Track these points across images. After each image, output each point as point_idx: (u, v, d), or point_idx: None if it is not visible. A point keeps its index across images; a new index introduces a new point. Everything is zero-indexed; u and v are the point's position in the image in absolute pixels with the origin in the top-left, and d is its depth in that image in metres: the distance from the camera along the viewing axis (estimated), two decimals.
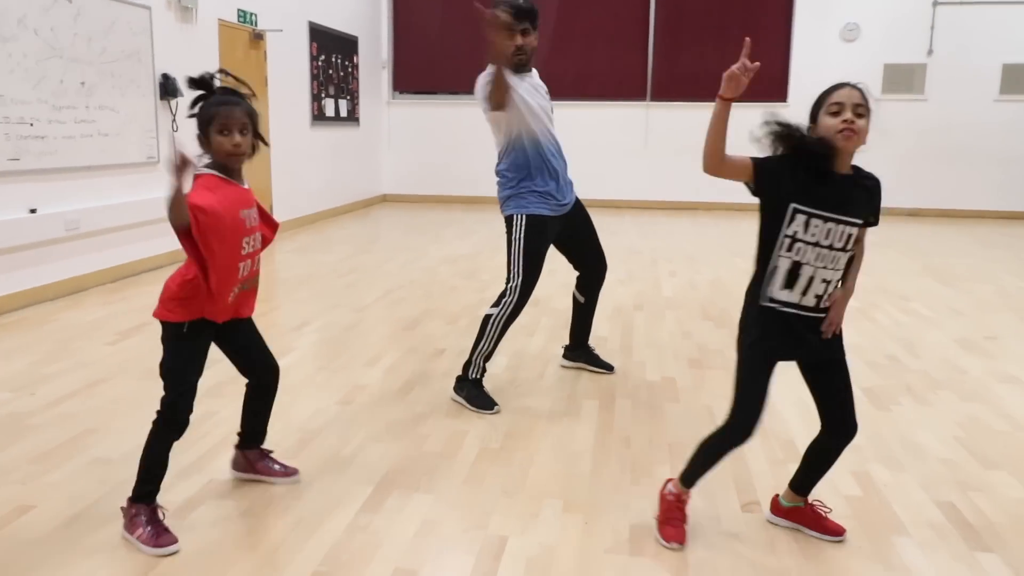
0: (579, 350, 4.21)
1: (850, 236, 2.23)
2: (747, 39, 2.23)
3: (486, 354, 3.64)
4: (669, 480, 2.56)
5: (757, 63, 2.19)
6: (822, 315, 2.28)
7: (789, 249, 2.23)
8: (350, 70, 10.93)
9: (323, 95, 10.06)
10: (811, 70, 11.46)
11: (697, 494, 2.75)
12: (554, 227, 3.72)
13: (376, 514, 2.62)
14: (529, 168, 3.62)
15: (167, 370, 2.47)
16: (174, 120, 6.82)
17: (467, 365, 3.68)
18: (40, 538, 2.44)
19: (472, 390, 3.65)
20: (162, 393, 2.47)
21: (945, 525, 2.60)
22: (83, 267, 5.82)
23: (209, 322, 2.48)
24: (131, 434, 3.23)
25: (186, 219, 2.26)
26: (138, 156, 6.40)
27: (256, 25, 8.26)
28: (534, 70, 3.75)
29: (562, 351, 4.28)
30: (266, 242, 2.66)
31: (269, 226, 2.68)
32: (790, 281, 2.24)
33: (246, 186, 2.53)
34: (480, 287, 6.17)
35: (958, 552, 2.44)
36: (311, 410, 3.56)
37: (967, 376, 4.16)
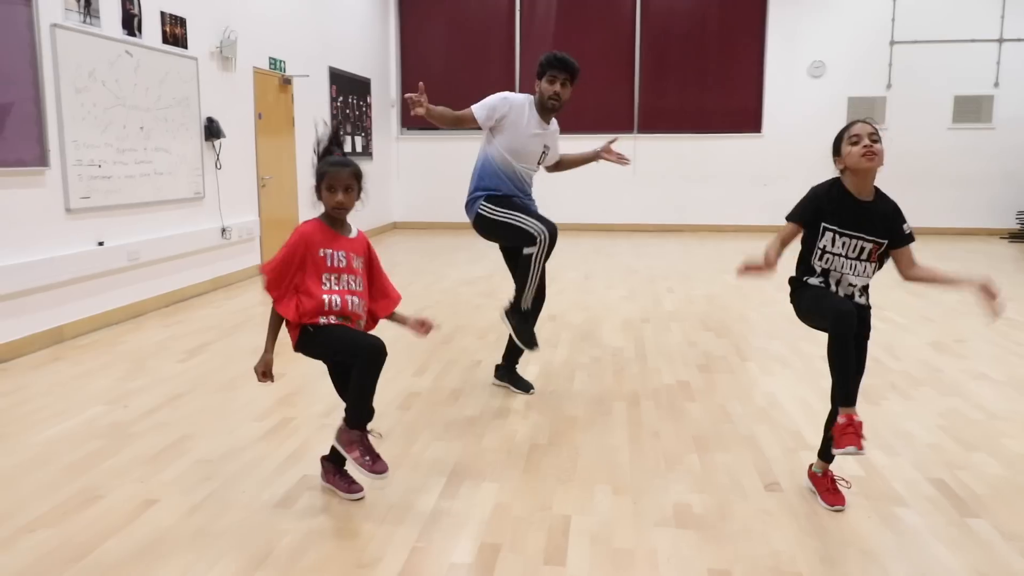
0: (506, 371, 4.25)
1: (869, 250, 2.63)
2: None
3: (526, 284, 3.92)
4: (811, 464, 2.95)
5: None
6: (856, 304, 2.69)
7: (820, 258, 2.70)
8: (364, 109, 11.24)
9: (342, 132, 10.34)
10: (782, 103, 11.89)
11: (727, 479, 3.04)
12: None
13: (454, 500, 2.87)
14: (488, 178, 3.95)
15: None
16: (218, 159, 7.07)
17: (518, 299, 3.94)
18: (171, 526, 2.66)
19: (522, 323, 3.97)
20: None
21: (938, 497, 2.88)
22: (143, 293, 6.04)
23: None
24: (223, 438, 3.47)
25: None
26: (187, 192, 6.64)
27: (285, 71, 8.55)
28: (554, 120, 4.03)
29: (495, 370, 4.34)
30: (372, 315, 2.87)
31: (386, 298, 2.91)
32: (824, 281, 2.71)
33: (351, 236, 2.80)
34: (500, 305, 6.41)
35: (952, 518, 2.72)
36: (376, 414, 3.78)
37: (943, 374, 4.47)
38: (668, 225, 12.36)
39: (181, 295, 6.57)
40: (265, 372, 2.75)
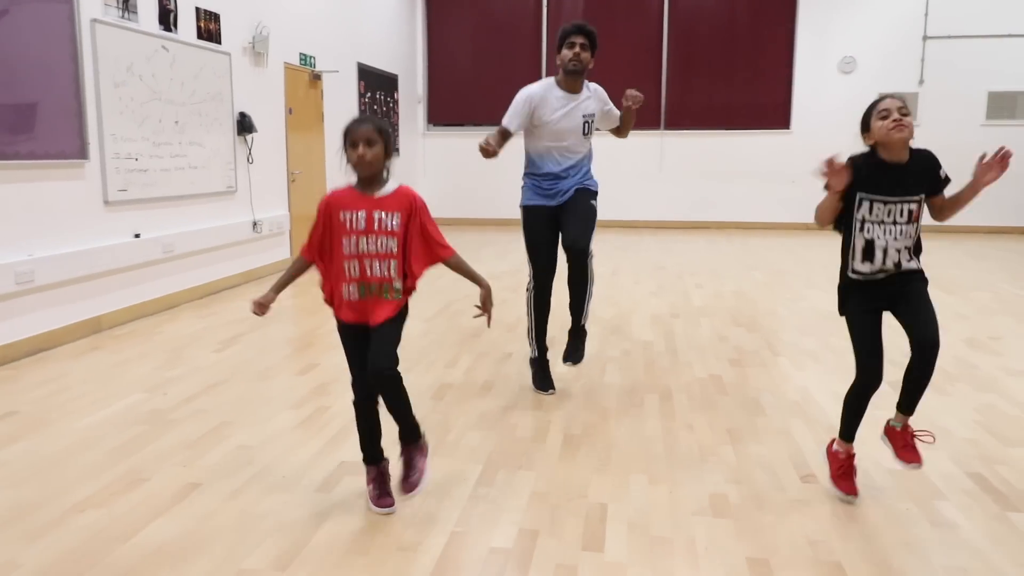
0: (570, 331, 4.17)
1: (912, 211, 2.61)
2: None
3: (527, 331, 4.14)
4: (833, 440, 2.91)
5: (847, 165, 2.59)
6: (904, 271, 2.67)
7: (862, 229, 2.65)
8: (391, 105, 11.31)
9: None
10: (812, 100, 11.80)
11: (762, 471, 3.04)
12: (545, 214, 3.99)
13: (491, 487, 2.90)
14: (529, 163, 4.04)
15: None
16: (250, 153, 7.16)
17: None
18: (214, 509, 2.72)
19: (532, 368, 4.12)
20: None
21: (977, 491, 2.86)
22: (178, 285, 6.14)
23: (342, 322, 2.66)
24: (261, 425, 3.54)
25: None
26: (220, 186, 6.74)
27: (315, 67, 8.63)
28: (585, 86, 3.98)
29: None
30: (411, 271, 2.63)
31: (428, 253, 2.64)
32: (867, 255, 2.66)
33: (382, 194, 2.59)
34: None
35: (992, 512, 2.70)
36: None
37: (978, 371, 4.42)
38: (695, 222, 12.31)
39: (214, 287, 6.66)
40: (260, 304, 2.61)
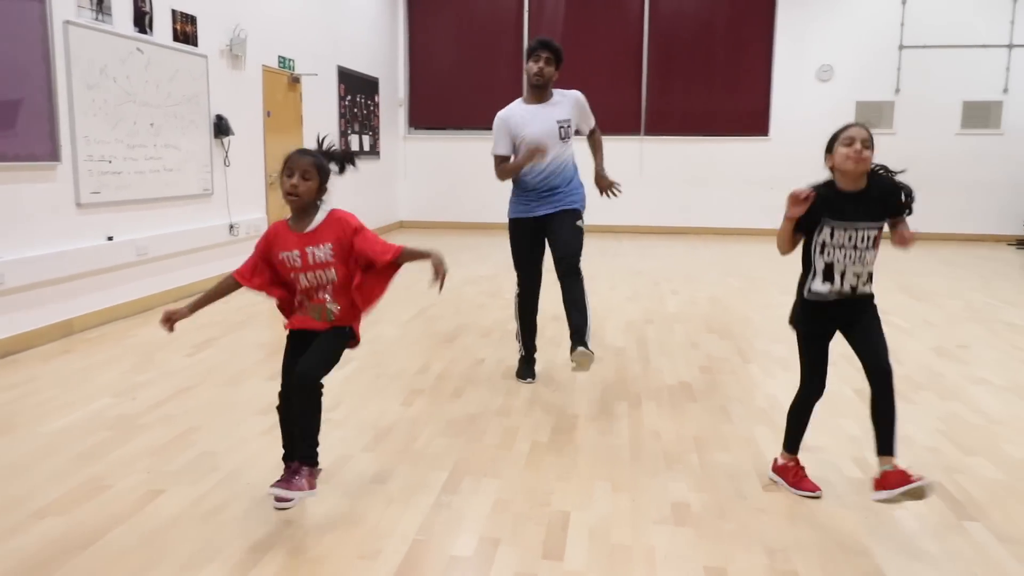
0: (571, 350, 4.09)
1: (872, 237, 2.69)
2: None
3: (515, 333, 4.45)
4: (776, 457, 3.03)
5: (812, 193, 2.67)
6: (858, 296, 2.75)
7: (822, 252, 2.73)
8: (372, 108, 11.30)
9: (349, 131, 10.41)
10: (790, 107, 11.91)
11: (725, 479, 3.08)
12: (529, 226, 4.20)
13: (455, 495, 2.91)
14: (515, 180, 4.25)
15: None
16: (226, 156, 7.13)
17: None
18: (176, 515, 2.71)
19: (519, 364, 4.43)
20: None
21: (935, 500, 2.90)
22: (151, 288, 6.10)
23: (289, 329, 2.80)
24: (229, 430, 3.53)
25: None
26: (196, 188, 6.71)
27: (294, 70, 8.61)
28: (554, 93, 4.17)
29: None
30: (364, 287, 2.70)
31: (373, 263, 2.68)
32: (826, 277, 2.74)
33: (310, 228, 2.67)
34: (504, 304, 6.47)
35: (948, 521, 2.75)
36: (378, 411, 3.85)
37: (944, 379, 4.49)
38: (673, 227, 12.39)
39: (189, 290, 6.61)
40: (168, 318, 2.70)
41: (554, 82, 4.13)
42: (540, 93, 4.13)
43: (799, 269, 2.85)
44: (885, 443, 2.68)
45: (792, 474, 2.97)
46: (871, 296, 2.79)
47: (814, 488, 2.92)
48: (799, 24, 11.85)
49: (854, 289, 2.73)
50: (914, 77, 11.66)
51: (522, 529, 2.65)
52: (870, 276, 2.77)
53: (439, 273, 2.66)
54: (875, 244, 2.71)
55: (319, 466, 2.70)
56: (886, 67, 11.74)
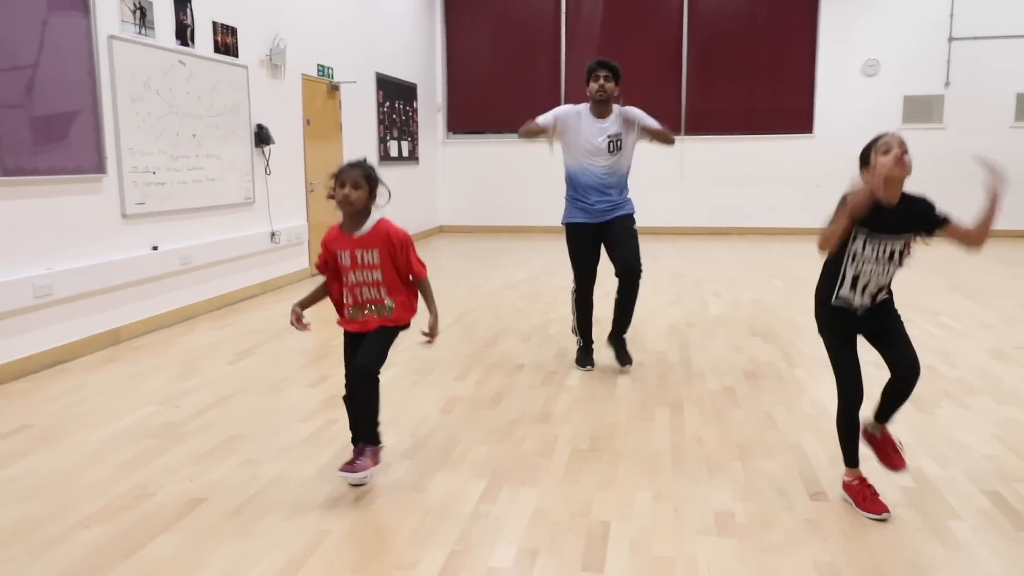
0: (612, 338, 4.71)
1: (900, 251, 2.68)
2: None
3: (572, 327, 4.82)
4: (843, 475, 2.91)
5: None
6: (878, 306, 2.78)
7: (852, 262, 2.72)
8: (410, 114, 11.36)
9: (388, 137, 10.48)
10: (835, 104, 11.66)
11: (770, 488, 2.99)
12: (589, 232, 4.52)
13: (494, 504, 2.88)
14: (568, 183, 4.57)
15: None
16: (267, 164, 7.22)
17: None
18: (216, 524, 2.73)
19: (578, 353, 4.77)
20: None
21: (993, 511, 2.79)
22: (195, 296, 6.21)
23: (344, 329, 3.10)
24: (270, 439, 3.55)
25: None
26: (237, 197, 6.80)
27: (332, 78, 8.69)
28: (615, 109, 4.48)
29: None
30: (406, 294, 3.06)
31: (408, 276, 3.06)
32: (853, 285, 2.75)
33: (361, 232, 2.97)
34: (544, 309, 6.44)
35: (1007, 533, 2.63)
36: (418, 417, 3.84)
37: (1001, 383, 4.32)
38: (716, 228, 12.21)
39: (232, 298, 6.72)
40: (297, 318, 3.01)
41: (615, 96, 4.46)
42: (602, 108, 4.45)
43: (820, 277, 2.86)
44: (886, 415, 2.89)
45: (857, 494, 2.81)
46: (890, 297, 2.82)
47: (879, 511, 2.73)
48: (843, 18, 11.59)
49: (873, 298, 2.75)
50: (964, 69, 11.32)
51: (561, 539, 2.61)
52: (889, 287, 2.79)
53: (432, 333, 3.04)
54: (901, 260, 2.71)
55: (382, 443, 3.05)
56: (935, 60, 11.41)
